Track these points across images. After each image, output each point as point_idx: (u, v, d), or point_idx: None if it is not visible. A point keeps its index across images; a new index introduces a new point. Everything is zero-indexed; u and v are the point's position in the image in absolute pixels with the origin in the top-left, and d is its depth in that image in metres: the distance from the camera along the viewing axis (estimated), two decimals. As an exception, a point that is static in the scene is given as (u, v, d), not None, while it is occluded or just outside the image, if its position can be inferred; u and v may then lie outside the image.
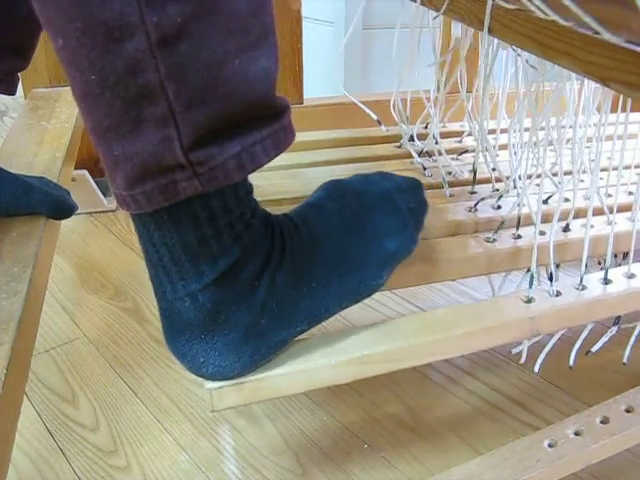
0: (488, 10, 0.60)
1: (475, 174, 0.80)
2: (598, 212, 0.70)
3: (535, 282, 0.62)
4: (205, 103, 0.42)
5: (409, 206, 0.58)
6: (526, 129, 0.72)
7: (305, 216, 0.54)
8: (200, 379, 0.50)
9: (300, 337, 0.53)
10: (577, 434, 0.59)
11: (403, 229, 0.57)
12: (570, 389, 0.76)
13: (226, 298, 0.48)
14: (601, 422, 0.60)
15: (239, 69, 0.42)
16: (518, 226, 0.70)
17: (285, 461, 0.67)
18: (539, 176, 0.82)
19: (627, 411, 0.61)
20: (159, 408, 0.74)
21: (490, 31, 0.62)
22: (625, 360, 0.73)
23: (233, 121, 0.44)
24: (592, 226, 0.71)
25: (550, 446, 0.58)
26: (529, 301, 0.60)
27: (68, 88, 0.45)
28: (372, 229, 0.55)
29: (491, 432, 0.71)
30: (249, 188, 0.49)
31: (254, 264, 0.49)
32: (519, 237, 0.69)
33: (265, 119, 0.46)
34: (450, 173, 0.84)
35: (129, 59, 0.40)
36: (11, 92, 0.73)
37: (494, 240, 0.68)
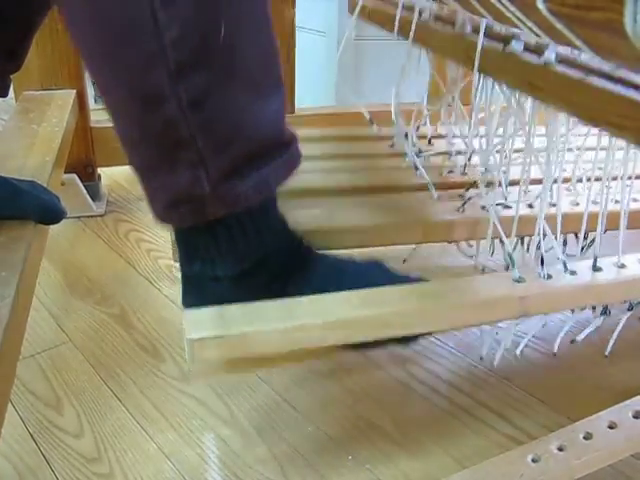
0: (478, 51, 0.62)
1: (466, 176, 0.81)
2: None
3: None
4: (229, 148, 0.51)
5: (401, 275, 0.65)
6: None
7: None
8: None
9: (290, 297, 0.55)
10: (560, 449, 0.59)
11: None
12: (553, 403, 0.77)
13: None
14: (584, 438, 0.61)
15: (256, 115, 0.52)
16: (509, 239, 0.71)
17: (269, 471, 0.67)
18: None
19: (610, 427, 0.62)
20: (144, 415, 0.74)
21: (481, 71, 0.63)
22: (607, 353, 0.73)
23: (252, 157, 0.53)
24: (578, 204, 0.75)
25: (534, 461, 0.58)
26: (519, 281, 0.60)
27: (59, 92, 0.51)
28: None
29: (475, 445, 0.71)
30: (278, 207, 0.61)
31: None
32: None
33: (277, 150, 0.55)
34: (441, 174, 0.86)
35: (164, 118, 0.49)
36: (3, 94, 0.73)
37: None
